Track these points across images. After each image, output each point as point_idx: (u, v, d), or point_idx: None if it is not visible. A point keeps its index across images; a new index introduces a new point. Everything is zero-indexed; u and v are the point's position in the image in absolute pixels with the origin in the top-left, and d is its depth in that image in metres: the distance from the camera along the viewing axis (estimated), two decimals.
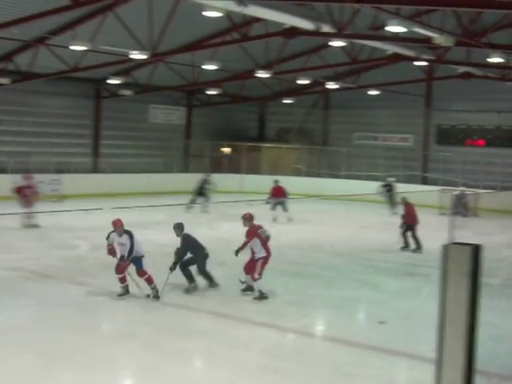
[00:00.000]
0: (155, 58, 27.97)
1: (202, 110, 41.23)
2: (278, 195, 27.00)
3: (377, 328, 12.12)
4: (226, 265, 17.12)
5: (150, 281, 13.50)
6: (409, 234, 20.36)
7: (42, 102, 34.41)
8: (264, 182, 35.58)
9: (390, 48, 26.29)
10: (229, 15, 21.97)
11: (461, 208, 30.86)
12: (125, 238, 13.37)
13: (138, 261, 13.54)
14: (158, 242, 19.04)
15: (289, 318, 12.56)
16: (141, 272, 13.55)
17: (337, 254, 19.58)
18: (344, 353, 10.80)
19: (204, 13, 19.40)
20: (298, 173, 39.67)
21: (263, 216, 24.25)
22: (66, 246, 19.43)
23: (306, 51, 32.90)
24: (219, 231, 23.22)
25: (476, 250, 2.79)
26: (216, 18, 20.64)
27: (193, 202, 28.96)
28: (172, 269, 13.74)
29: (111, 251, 13.69)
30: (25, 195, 22.38)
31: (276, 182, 27.88)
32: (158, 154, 38.63)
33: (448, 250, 2.66)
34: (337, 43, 24.01)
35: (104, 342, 10.83)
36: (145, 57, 25.43)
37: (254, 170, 39.46)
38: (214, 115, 41.62)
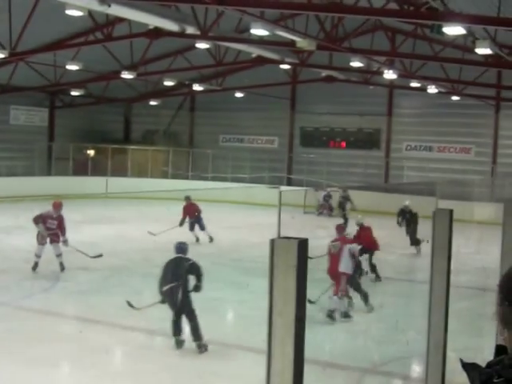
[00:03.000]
0: (15, 58, 27.09)
1: (65, 112, 40.23)
2: (192, 214, 22.90)
3: (242, 327, 12.20)
4: (88, 269, 16.83)
5: None
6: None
7: None
8: (130, 185, 35.32)
9: (255, 51, 26.59)
10: (92, 14, 21.58)
11: (326, 208, 31.64)
12: None
13: None
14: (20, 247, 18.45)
15: (155, 321, 12.43)
16: None
17: (201, 255, 19.50)
18: (209, 353, 10.79)
19: (66, 11, 18.96)
20: (165, 175, 39.47)
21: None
22: None
23: (172, 52, 32.76)
24: (83, 234, 22.77)
25: (303, 243, 2.88)
26: (78, 17, 20.18)
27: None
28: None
29: None
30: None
31: (188, 198, 23.56)
32: (19, 157, 37.43)
33: (275, 244, 2.74)
34: (202, 45, 24.03)
35: None
36: (3, 56, 24.59)
37: (119, 172, 38.91)
38: (78, 117, 40.70)
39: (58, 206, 17.01)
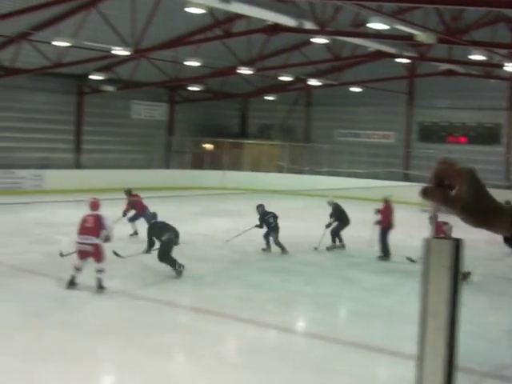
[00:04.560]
0: (138, 54, 27.94)
1: (184, 107, 41.15)
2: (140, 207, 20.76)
3: (357, 325, 12.18)
4: (205, 260, 17.14)
5: None
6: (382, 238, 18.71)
7: (25, 98, 34.13)
8: (246, 179, 35.75)
9: (372, 45, 26.35)
10: (211, 12, 21.96)
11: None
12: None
13: None
14: (135, 237, 18.99)
15: (270, 315, 12.58)
16: None
17: (318, 251, 19.56)
18: (325, 349, 10.84)
19: (186, 9, 19.41)
20: (280, 169, 39.74)
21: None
22: (47, 241, 19.31)
23: (288, 48, 32.90)
24: (201, 226, 23.22)
25: (457, 244, 2.83)
26: (199, 14, 20.64)
27: None
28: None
29: None
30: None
31: (129, 191, 21.58)
32: (140, 150, 38.53)
33: (429, 243, 2.71)
34: (319, 40, 23.99)
35: (85, 339, 10.78)
36: (127, 53, 25.39)
37: (235, 166, 39.45)
38: (197, 111, 41.55)
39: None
